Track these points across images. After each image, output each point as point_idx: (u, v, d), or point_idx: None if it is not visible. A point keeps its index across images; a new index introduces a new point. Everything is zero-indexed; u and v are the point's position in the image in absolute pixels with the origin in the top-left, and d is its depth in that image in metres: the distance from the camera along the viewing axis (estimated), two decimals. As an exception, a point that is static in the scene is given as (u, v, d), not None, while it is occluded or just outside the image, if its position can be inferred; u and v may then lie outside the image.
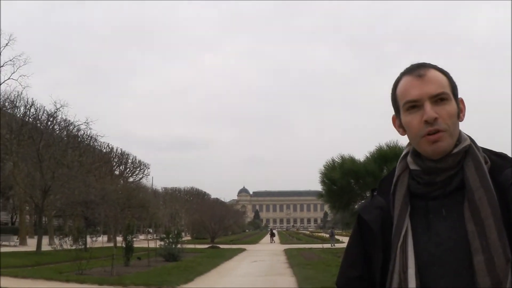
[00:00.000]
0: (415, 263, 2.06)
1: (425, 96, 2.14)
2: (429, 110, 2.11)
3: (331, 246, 61.62)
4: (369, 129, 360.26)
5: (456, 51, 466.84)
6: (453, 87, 2.21)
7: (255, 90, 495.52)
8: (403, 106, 2.20)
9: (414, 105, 2.16)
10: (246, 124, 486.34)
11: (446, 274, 2.01)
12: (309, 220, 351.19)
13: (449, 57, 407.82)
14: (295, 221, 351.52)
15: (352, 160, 10.71)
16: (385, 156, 10.22)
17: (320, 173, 10.94)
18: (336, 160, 11.00)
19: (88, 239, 38.35)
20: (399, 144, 10.37)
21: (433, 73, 2.19)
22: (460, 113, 2.19)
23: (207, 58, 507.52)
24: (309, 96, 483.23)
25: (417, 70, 2.20)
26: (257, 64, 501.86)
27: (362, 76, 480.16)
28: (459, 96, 2.23)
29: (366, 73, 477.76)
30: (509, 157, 2.16)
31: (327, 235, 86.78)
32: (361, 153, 10.80)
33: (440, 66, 2.24)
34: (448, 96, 2.16)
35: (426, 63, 2.23)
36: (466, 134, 2.21)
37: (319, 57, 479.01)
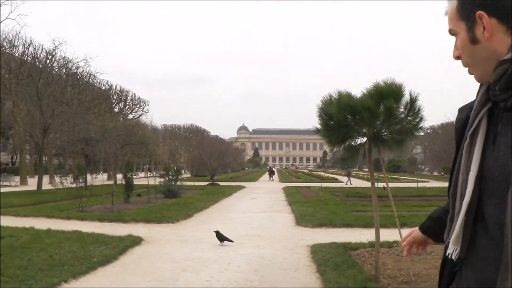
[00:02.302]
0: (478, 169, 1.99)
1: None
2: (453, 51, 2.11)
3: (347, 184, 62.71)
4: (363, 67, 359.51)
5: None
6: (461, 10, 2.04)
7: (256, 27, 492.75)
8: None
9: None
10: (247, 61, 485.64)
11: (497, 193, 1.90)
12: (308, 159, 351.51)
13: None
14: (294, 159, 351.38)
15: (349, 95, 10.67)
16: (381, 93, 10.18)
17: (318, 108, 10.91)
18: (333, 95, 10.96)
19: (89, 177, 38.45)
20: (395, 81, 10.34)
21: (451, 5, 2.10)
22: (475, 36, 2.00)
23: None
24: (309, 34, 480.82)
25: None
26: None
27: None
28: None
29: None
30: None
31: (326, 174, 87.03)
32: (358, 91, 10.80)
33: None
34: (455, 30, 2.08)
35: None
36: None
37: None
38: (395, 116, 10.37)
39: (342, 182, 70.68)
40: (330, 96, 10.97)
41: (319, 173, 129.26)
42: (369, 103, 10.14)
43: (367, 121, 10.33)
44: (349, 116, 10.52)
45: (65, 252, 13.41)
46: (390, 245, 14.64)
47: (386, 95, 10.17)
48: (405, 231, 3.39)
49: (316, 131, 11.40)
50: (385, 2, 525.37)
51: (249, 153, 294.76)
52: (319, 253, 14.09)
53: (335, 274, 11.37)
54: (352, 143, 11.38)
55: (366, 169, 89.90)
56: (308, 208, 27.44)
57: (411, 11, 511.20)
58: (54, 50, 54.84)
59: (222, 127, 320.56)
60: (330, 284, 10.66)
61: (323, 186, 53.49)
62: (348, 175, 71.74)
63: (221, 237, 16.32)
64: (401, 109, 10.47)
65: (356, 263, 12.35)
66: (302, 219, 22.69)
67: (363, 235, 15.86)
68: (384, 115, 10.31)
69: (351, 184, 63.42)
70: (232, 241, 16.31)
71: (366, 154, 11.16)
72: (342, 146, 11.43)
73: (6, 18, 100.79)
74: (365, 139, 11.19)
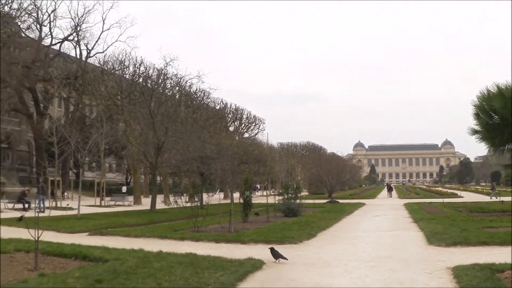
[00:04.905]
0: None
1: None
2: None
3: (491, 198, 62.94)
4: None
5: None
6: None
7: (369, 40, 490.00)
8: None
9: None
10: (360, 76, 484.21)
11: None
12: (424, 174, 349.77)
13: None
14: (410, 175, 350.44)
15: (514, 87, 8.62)
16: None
17: (474, 105, 8.91)
18: (491, 90, 8.94)
19: (204, 196, 37.41)
20: None
21: None
22: None
23: (319, 11, 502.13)
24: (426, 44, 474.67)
25: None
26: (372, 16, 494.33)
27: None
28: None
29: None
30: None
31: (444, 189, 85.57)
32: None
33: None
34: None
35: None
36: None
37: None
38: None
39: (463, 197, 70.94)
40: (488, 91, 8.95)
41: (436, 188, 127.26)
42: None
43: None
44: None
45: (176, 279, 11.82)
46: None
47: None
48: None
49: (472, 133, 9.41)
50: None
51: (366, 169, 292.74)
52: (464, 277, 12.38)
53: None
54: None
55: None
56: (437, 225, 25.86)
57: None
58: (165, 67, 54.32)
59: (338, 144, 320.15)
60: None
61: (444, 201, 52.29)
62: (492, 188, 71.31)
63: (275, 254, 15.34)
64: None
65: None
66: (434, 238, 21.07)
67: (503, 254, 14.96)
68: None
69: (496, 198, 62.59)
70: (287, 259, 15.26)
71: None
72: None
73: (116, 41, 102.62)
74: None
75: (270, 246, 16.30)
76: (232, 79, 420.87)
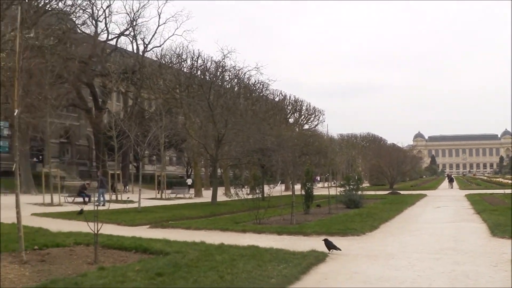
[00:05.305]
0: None
1: None
2: None
3: None
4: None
5: None
6: None
7: (427, 28, 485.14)
8: None
9: None
10: (418, 65, 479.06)
11: None
12: (484, 165, 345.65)
13: None
14: (470, 166, 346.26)
15: None
16: None
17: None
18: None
19: (265, 188, 37.09)
20: None
21: None
22: None
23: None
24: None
25: None
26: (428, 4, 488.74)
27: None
28: None
29: None
30: None
31: (504, 180, 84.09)
32: None
33: None
34: None
35: None
36: None
37: None
38: None
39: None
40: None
41: (497, 179, 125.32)
42: None
43: None
44: None
45: (239, 272, 11.53)
46: None
47: None
48: None
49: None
50: None
51: (426, 160, 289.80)
52: (529, 270, 12.03)
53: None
54: None
55: None
56: (499, 217, 25.27)
57: None
58: (223, 59, 54.09)
59: (397, 134, 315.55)
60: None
61: (505, 192, 50.86)
62: None
63: (329, 245, 15.18)
64: None
65: None
66: (497, 229, 20.50)
67: None
68: None
69: None
70: (340, 249, 15.07)
71: None
72: None
73: (173, 35, 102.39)
74: None
75: (324, 238, 16.13)
76: (289, 71, 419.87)
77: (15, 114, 13.70)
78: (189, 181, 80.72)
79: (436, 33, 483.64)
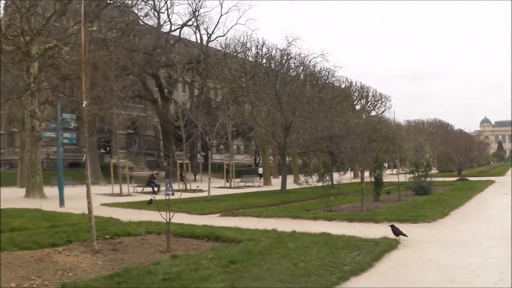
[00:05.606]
0: None
1: None
2: None
3: None
4: None
5: None
6: None
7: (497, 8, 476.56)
8: None
9: None
10: (484, 49, 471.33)
11: None
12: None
13: None
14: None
15: None
16: None
17: None
18: None
19: (335, 175, 36.92)
20: None
21: None
22: None
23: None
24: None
25: None
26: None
27: None
28: None
29: None
30: None
31: None
32: None
33: None
34: None
35: None
36: None
37: None
38: None
39: None
40: None
41: None
42: None
43: None
44: None
45: (312, 259, 11.38)
46: None
47: None
48: None
49: None
50: None
51: (493, 146, 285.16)
52: None
53: None
54: None
55: None
56: None
57: None
58: (288, 47, 54.04)
59: (463, 120, 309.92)
60: None
61: None
62: None
63: (396, 231, 15.14)
64: None
65: None
66: None
67: None
68: None
69: None
70: (407, 236, 15.00)
71: None
72: None
73: (236, 24, 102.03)
74: None
75: (391, 224, 16.35)
76: (354, 57, 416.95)
77: (83, 105, 13.81)
78: (261, 170, 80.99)
79: (506, 13, 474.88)
